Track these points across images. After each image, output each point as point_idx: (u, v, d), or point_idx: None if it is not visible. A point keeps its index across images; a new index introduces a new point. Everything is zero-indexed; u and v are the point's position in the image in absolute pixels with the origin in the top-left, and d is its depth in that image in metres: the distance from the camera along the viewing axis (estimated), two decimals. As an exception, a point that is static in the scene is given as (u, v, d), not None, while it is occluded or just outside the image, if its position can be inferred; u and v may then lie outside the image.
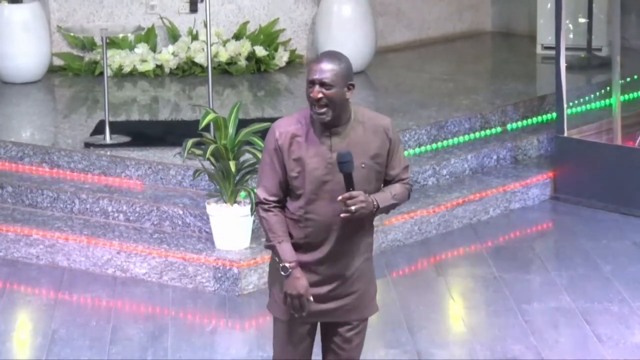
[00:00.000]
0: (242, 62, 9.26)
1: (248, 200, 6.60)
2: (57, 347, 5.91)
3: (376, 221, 6.99)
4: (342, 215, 4.18)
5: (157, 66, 9.24)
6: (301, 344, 4.40)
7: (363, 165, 4.23)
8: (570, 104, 8.10)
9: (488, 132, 8.17)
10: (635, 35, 9.62)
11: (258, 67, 9.33)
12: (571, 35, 9.50)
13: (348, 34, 9.18)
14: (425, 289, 6.56)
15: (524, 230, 7.40)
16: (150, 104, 8.68)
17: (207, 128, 6.79)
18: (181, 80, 9.16)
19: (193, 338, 6.01)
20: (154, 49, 9.30)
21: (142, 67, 9.19)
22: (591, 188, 7.69)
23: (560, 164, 7.85)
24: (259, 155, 6.52)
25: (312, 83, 4.18)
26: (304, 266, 4.28)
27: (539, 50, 9.81)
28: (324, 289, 4.31)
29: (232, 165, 6.54)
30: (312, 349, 4.45)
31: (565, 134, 7.82)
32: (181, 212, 6.92)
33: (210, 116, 6.65)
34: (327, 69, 4.17)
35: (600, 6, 9.55)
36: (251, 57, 9.30)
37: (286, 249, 4.26)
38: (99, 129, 7.78)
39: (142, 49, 9.22)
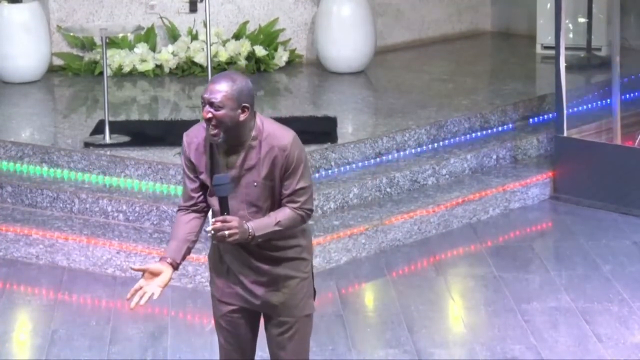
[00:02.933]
0: (242, 62, 9.26)
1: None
2: (57, 348, 5.90)
3: (375, 221, 7.07)
4: (214, 240, 4.20)
5: (157, 66, 9.24)
6: (230, 334, 4.38)
7: (255, 184, 4.25)
8: (570, 103, 8.10)
9: (495, 129, 8.19)
10: (634, 35, 9.62)
11: (258, 66, 9.33)
12: (571, 35, 9.50)
13: (347, 34, 9.18)
14: (424, 288, 6.56)
15: (524, 229, 7.40)
16: (150, 104, 8.68)
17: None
18: (181, 80, 9.17)
19: (193, 338, 6.01)
20: (153, 48, 9.30)
21: (141, 67, 9.19)
22: (591, 188, 7.69)
23: (560, 164, 7.85)
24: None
25: (203, 102, 4.19)
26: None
27: (538, 50, 9.81)
28: (240, 276, 4.33)
29: (232, 165, 6.54)
30: (249, 346, 4.43)
31: (565, 134, 7.82)
32: (181, 212, 6.91)
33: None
34: (218, 90, 4.16)
35: (599, 6, 9.55)
36: (251, 56, 9.30)
37: (169, 246, 4.31)
38: (98, 129, 7.78)
39: (141, 48, 9.22)
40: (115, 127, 7.72)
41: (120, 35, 9.06)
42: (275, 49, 9.41)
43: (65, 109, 8.64)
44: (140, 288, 4.21)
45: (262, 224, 4.23)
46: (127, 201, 7.05)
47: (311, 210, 4.32)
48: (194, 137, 4.30)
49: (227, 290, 4.39)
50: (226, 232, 4.15)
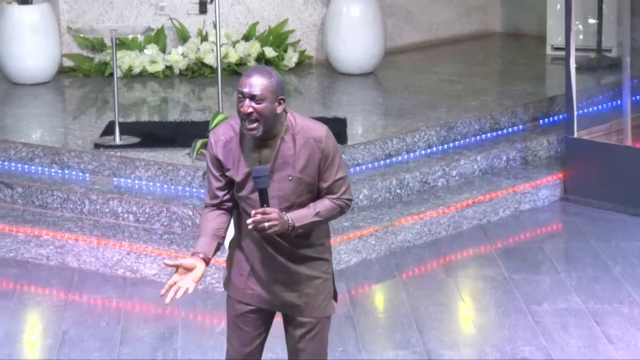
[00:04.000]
0: (252, 63, 9.27)
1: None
2: (67, 348, 5.91)
3: (385, 222, 7.07)
4: (254, 232, 4.20)
5: (167, 67, 9.25)
6: (248, 333, 4.39)
7: (290, 178, 4.23)
8: (580, 104, 8.09)
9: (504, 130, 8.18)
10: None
11: (267, 68, 9.33)
12: (581, 36, 9.49)
13: (357, 35, 9.18)
14: (434, 290, 6.56)
15: (534, 231, 7.40)
16: (159, 105, 8.69)
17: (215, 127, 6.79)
18: (191, 81, 9.18)
19: (203, 339, 6.02)
20: (163, 50, 9.31)
21: (151, 68, 9.20)
22: (601, 189, 7.68)
23: (570, 165, 7.84)
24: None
25: (242, 96, 4.17)
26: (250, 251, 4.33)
27: (548, 51, 9.80)
28: (263, 276, 4.33)
29: (242, 166, 6.55)
30: (258, 347, 4.43)
31: (575, 135, 7.81)
32: (191, 213, 6.93)
33: (220, 117, 6.67)
34: (257, 83, 4.15)
35: (610, 7, 9.54)
36: (260, 58, 9.31)
37: (199, 242, 4.30)
38: (108, 130, 7.79)
39: (151, 50, 9.24)
40: (125, 129, 7.73)
41: (130, 36, 9.07)
42: (285, 50, 9.41)
43: (76, 110, 8.65)
44: (175, 283, 4.21)
45: (302, 215, 4.22)
46: (137, 202, 7.06)
47: (350, 200, 4.32)
48: (222, 134, 4.28)
49: (248, 292, 4.38)
50: (266, 224, 4.14)
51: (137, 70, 9.20)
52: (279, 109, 4.18)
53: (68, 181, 7.39)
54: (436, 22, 10.18)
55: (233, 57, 9.21)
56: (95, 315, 6.28)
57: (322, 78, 9.33)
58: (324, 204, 4.26)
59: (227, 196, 4.33)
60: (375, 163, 7.64)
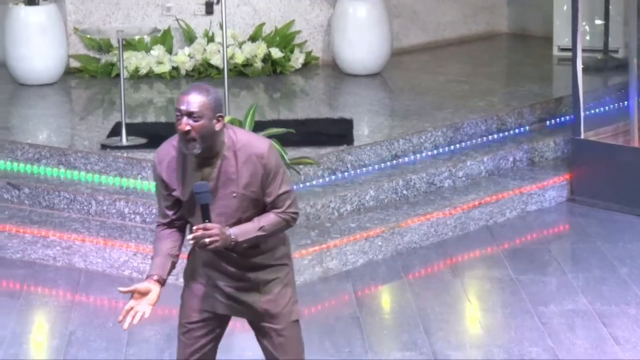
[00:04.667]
0: (258, 64, 9.27)
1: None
2: (74, 349, 5.92)
3: (392, 223, 7.06)
4: (196, 247, 4.22)
5: (173, 68, 9.25)
6: (199, 339, 4.41)
7: (234, 195, 4.24)
8: (587, 105, 8.08)
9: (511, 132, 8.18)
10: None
11: (274, 69, 9.34)
12: (587, 37, 9.47)
13: (363, 35, 9.18)
14: (441, 290, 6.55)
15: (541, 232, 7.39)
16: (166, 106, 8.69)
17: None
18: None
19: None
20: (170, 50, 9.32)
21: (158, 69, 9.21)
22: (608, 190, 7.66)
23: (577, 166, 7.83)
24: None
25: (179, 114, 4.16)
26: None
27: (555, 51, 9.79)
28: (221, 285, 4.35)
29: (248, 167, 6.54)
30: (211, 351, 4.46)
31: (582, 136, 7.80)
32: (197, 214, 6.92)
33: (226, 119, 6.65)
34: (194, 101, 4.15)
35: (616, 8, 9.52)
36: (267, 59, 9.31)
37: (153, 263, 4.33)
38: (115, 131, 7.79)
39: (158, 50, 9.24)
40: (132, 129, 7.74)
41: (137, 37, 9.08)
42: (292, 51, 9.41)
43: (82, 111, 8.66)
44: (132, 308, 4.24)
45: (245, 229, 4.23)
46: (143, 203, 7.06)
47: (296, 214, 4.33)
48: (165, 154, 4.29)
49: (207, 298, 4.39)
50: (207, 240, 4.16)
51: (143, 71, 9.20)
52: (218, 126, 4.18)
53: (75, 182, 7.40)
54: (442, 23, 10.17)
55: (239, 58, 9.21)
56: (102, 315, 6.28)
57: (329, 79, 9.33)
58: (268, 218, 4.27)
59: (177, 214, 4.35)
60: (382, 164, 7.63)
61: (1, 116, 8.28)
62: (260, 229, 4.24)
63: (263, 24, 9.44)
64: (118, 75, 7.95)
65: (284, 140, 6.66)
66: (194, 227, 4.20)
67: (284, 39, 9.43)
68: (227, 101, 7.50)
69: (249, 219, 4.26)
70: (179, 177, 4.26)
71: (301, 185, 7.24)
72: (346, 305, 6.39)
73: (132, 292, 4.25)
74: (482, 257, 7.02)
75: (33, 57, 8.92)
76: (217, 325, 4.45)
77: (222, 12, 7.41)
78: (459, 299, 6.46)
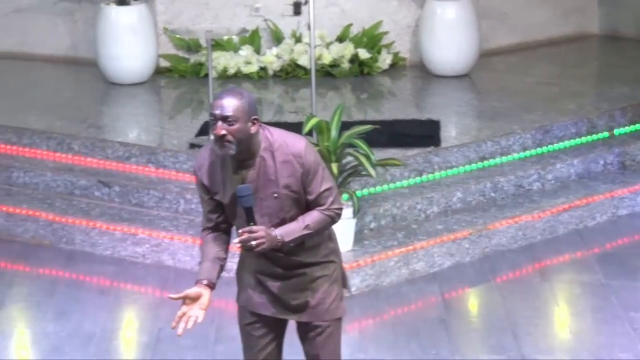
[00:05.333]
0: (345, 65, 9.27)
1: (350, 203, 6.60)
2: (163, 346, 5.97)
3: (479, 225, 7.01)
4: (243, 250, 4.22)
5: (261, 68, 9.30)
6: (259, 340, 4.42)
7: (275, 195, 4.23)
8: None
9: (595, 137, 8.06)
10: None
11: (361, 69, 9.33)
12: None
13: (451, 36, 9.13)
14: (529, 294, 6.48)
15: (632, 236, 7.27)
16: (254, 106, 8.72)
17: (309, 131, 6.80)
18: (284, 82, 9.21)
19: (295, 339, 6.01)
20: (258, 51, 9.36)
21: (246, 69, 9.26)
22: (701, 195, 7.52)
23: (669, 170, 7.69)
24: (362, 158, 6.52)
25: (214, 119, 4.17)
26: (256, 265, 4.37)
27: (647, 53, 9.64)
28: (269, 286, 4.36)
29: (335, 167, 6.55)
30: (274, 352, 4.46)
31: (675, 140, 7.67)
32: (285, 214, 6.94)
33: (313, 121, 6.67)
34: (228, 105, 4.15)
35: None
36: (354, 59, 9.31)
37: (202, 268, 4.33)
38: (203, 130, 7.85)
39: (246, 51, 9.29)
40: (220, 129, 7.78)
41: (225, 37, 9.13)
42: (379, 52, 9.40)
43: (171, 110, 8.75)
44: (184, 314, 4.26)
45: (290, 229, 4.23)
46: (231, 202, 7.09)
47: (340, 210, 4.31)
48: (203, 159, 4.31)
49: (258, 301, 4.40)
50: (253, 243, 4.17)
51: (231, 71, 9.26)
52: (253, 129, 4.19)
53: (164, 180, 7.47)
54: (532, 24, 10.07)
55: (327, 59, 9.22)
56: (190, 313, 6.32)
57: (416, 80, 9.30)
58: (312, 216, 4.25)
59: (221, 218, 4.36)
60: (469, 166, 7.58)
61: (93, 115, 8.39)
62: (306, 227, 4.23)
63: (351, 25, 9.44)
64: (207, 75, 8.01)
65: (370, 141, 6.65)
66: (240, 231, 4.21)
67: (372, 39, 9.42)
68: (313, 101, 7.51)
69: (292, 219, 4.25)
70: (219, 180, 4.28)
71: (388, 187, 7.23)
72: (433, 307, 6.36)
73: (184, 298, 4.27)
74: (572, 261, 6.93)
75: (124, 57, 9.02)
76: (273, 326, 4.45)
77: (310, 13, 7.42)
78: (547, 303, 6.39)
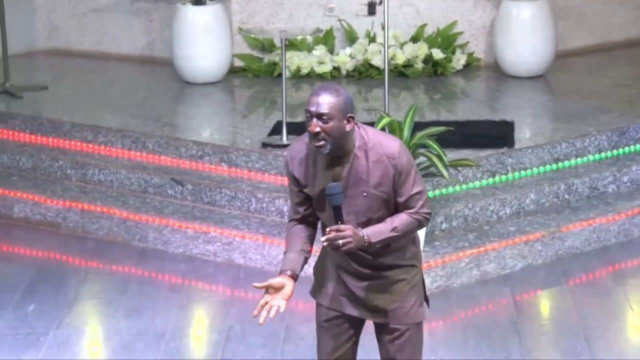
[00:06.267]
0: (419, 65, 9.23)
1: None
2: (232, 344, 6.00)
3: (553, 227, 6.93)
4: (329, 249, 4.20)
5: (334, 68, 9.30)
6: (337, 337, 4.40)
7: (365, 194, 4.20)
8: None
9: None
10: None
11: (435, 70, 9.29)
12: None
13: (527, 37, 9.04)
14: (603, 298, 6.39)
15: None
16: (326, 106, 8.73)
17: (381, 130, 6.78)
18: (358, 83, 9.20)
19: (365, 340, 5.98)
20: (331, 51, 9.37)
21: (319, 69, 9.27)
22: None
23: None
24: (434, 158, 6.48)
25: (309, 115, 4.15)
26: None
27: None
28: (350, 285, 4.34)
29: (408, 168, 6.52)
30: (349, 351, 4.43)
31: None
32: (356, 214, 6.93)
33: (385, 120, 6.65)
34: (324, 102, 4.13)
35: None
36: (428, 59, 9.27)
37: (286, 259, 4.33)
38: (276, 130, 7.88)
39: (320, 50, 9.30)
40: (292, 128, 7.80)
41: (299, 37, 9.15)
42: (453, 52, 9.34)
43: (244, 110, 8.79)
44: (266, 303, 4.27)
45: (378, 230, 4.21)
46: (303, 201, 7.10)
47: (429, 214, 4.28)
48: (297, 152, 4.30)
49: (337, 298, 4.39)
50: (340, 242, 4.15)
51: (305, 70, 9.27)
52: (348, 127, 4.16)
53: (236, 179, 7.51)
54: (610, 25, 9.93)
55: (400, 59, 9.19)
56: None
57: (490, 81, 9.22)
58: (401, 219, 4.23)
59: (309, 210, 4.35)
60: (543, 167, 7.50)
61: (167, 113, 8.47)
62: (393, 229, 4.22)
63: (425, 25, 9.39)
64: (280, 74, 8.03)
65: (443, 142, 6.61)
66: (327, 229, 4.20)
67: (446, 40, 9.37)
68: (386, 102, 7.49)
69: (379, 220, 4.24)
70: (310, 174, 4.27)
71: (460, 188, 7.18)
72: (504, 309, 6.30)
73: (267, 287, 4.27)
74: (647, 265, 6.83)
75: (199, 56, 9.09)
76: (351, 325, 4.43)
77: (384, 13, 7.40)
78: (621, 307, 6.29)
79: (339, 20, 9.42)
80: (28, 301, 6.50)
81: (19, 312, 6.36)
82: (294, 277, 4.31)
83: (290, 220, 4.41)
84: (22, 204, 7.72)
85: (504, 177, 7.36)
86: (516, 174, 7.40)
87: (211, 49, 9.10)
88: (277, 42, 9.30)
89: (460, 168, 7.04)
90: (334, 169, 4.23)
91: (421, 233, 6.65)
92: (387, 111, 7.37)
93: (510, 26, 9.11)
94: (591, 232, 7.05)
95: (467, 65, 9.40)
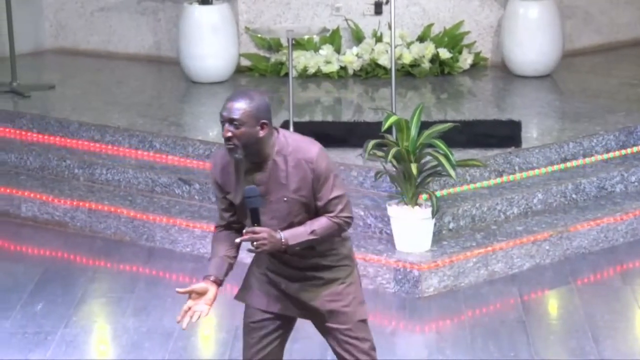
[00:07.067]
0: (426, 65, 9.23)
1: (429, 203, 6.57)
2: (240, 343, 5.96)
3: (560, 227, 6.93)
4: (247, 249, 4.23)
5: (341, 68, 9.30)
6: (264, 338, 4.44)
7: (285, 199, 4.24)
8: None
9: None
10: None
11: (442, 69, 9.29)
12: None
13: (534, 37, 9.04)
14: (610, 297, 6.39)
15: None
16: (333, 105, 8.75)
17: (389, 130, 6.79)
18: (364, 82, 9.20)
19: (375, 339, 6.00)
20: (338, 50, 9.37)
21: (326, 69, 9.27)
22: None
23: None
24: (441, 158, 6.48)
25: (222, 120, 4.20)
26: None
27: None
28: (283, 286, 4.39)
29: (414, 167, 6.53)
30: (276, 350, 4.47)
31: None
32: (362, 213, 6.94)
33: (393, 119, 6.65)
34: (236, 108, 4.17)
35: None
36: (435, 59, 9.27)
37: (210, 264, 4.40)
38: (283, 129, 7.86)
39: (326, 50, 9.31)
40: (299, 128, 7.79)
41: (306, 37, 9.16)
42: (460, 52, 9.34)
43: (252, 109, 8.77)
44: (189, 308, 4.31)
45: (296, 233, 4.25)
46: (310, 201, 7.10)
47: (350, 218, 4.32)
48: (220, 158, 4.35)
49: (267, 299, 4.42)
50: (255, 244, 4.20)
51: (311, 70, 9.28)
52: (262, 133, 4.20)
53: (243, 179, 7.50)
54: (617, 24, 9.93)
55: (407, 58, 9.19)
56: (268, 311, 6.35)
57: (497, 80, 9.22)
58: (320, 222, 4.27)
59: (234, 217, 4.39)
60: (551, 167, 7.50)
61: (174, 113, 8.48)
62: (312, 232, 4.26)
63: (432, 25, 9.40)
64: (287, 74, 8.03)
65: (450, 142, 6.61)
66: (244, 231, 4.24)
67: (453, 39, 9.37)
68: (393, 101, 7.49)
69: (300, 223, 4.27)
70: (233, 181, 4.32)
71: (467, 187, 7.18)
72: (512, 309, 6.30)
73: (190, 293, 4.33)
74: (654, 265, 6.83)
75: (205, 56, 9.10)
76: (280, 325, 4.47)
77: (391, 13, 7.40)
78: (629, 307, 6.29)
79: (346, 19, 9.42)
80: (36, 300, 6.51)
81: (27, 311, 6.37)
82: (218, 282, 4.37)
83: (216, 227, 4.46)
84: (30, 203, 7.73)
85: (511, 176, 7.35)
86: (524, 173, 7.40)
87: (218, 49, 9.11)
88: (283, 42, 9.31)
89: (467, 168, 7.03)
90: (254, 175, 4.27)
91: (428, 232, 6.65)
92: (394, 110, 7.38)
93: (517, 26, 9.10)
94: (599, 231, 7.05)
95: (474, 65, 9.40)
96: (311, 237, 4.26)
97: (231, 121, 4.19)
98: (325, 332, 4.46)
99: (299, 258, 4.35)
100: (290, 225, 4.28)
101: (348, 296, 4.39)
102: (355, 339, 4.41)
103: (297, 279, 4.39)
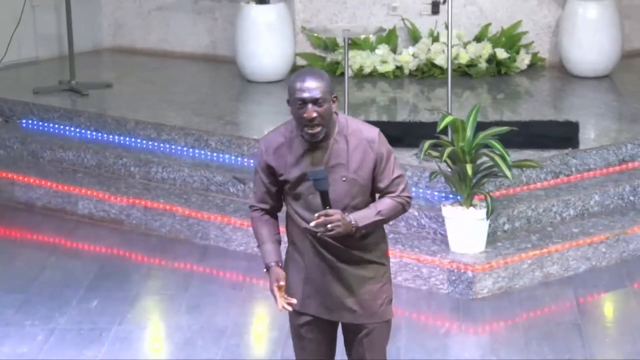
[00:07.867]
0: (483, 65, 9.18)
1: (484, 204, 6.53)
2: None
3: (617, 229, 6.85)
4: (318, 234, 4.16)
5: (397, 67, 9.27)
6: (310, 342, 4.37)
7: (344, 179, 4.18)
8: None
9: None
10: None
11: (498, 69, 9.23)
12: None
13: (593, 37, 8.95)
14: (668, 301, 6.32)
15: None
16: (388, 105, 8.73)
17: (444, 130, 6.76)
18: (420, 82, 9.17)
19: (426, 340, 5.99)
20: (394, 50, 9.35)
21: (382, 68, 9.25)
22: None
23: None
24: (497, 159, 6.44)
25: (303, 103, 4.12)
26: (299, 265, 4.33)
27: None
28: (320, 282, 4.30)
29: (469, 168, 6.49)
30: (328, 351, 4.41)
31: None
32: (416, 214, 6.91)
33: (448, 119, 6.62)
34: (315, 86, 4.12)
35: None
36: (492, 59, 9.21)
37: (266, 250, 4.33)
38: (338, 129, 7.86)
39: (382, 50, 9.28)
40: (355, 127, 7.79)
41: (362, 36, 9.14)
42: (517, 52, 9.28)
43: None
44: (285, 298, 4.29)
45: (364, 215, 4.21)
46: (364, 201, 7.09)
47: (410, 198, 4.28)
48: (273, 142, 4.28)
49: (306, 301, 4.37)
50: (329, 226, 4.13)
51: (367, 70, 9.26)
52: (334, 108, 4.19)
53: (298, 178, 7.50)
54: (677, 24, 9.80)
55: (464, 58, 9.14)
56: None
57: (555, 81, 9.14)
58: (385, 203, 4.24)
59: (277, 203, 4.35)
60: (608, 169, 7.41)
61: (229, 112, 8.51)
62: (378, 213, 4.22)
63: (489, 24, 9.34)
64: (342, 73, 8.02)
65: (506, 142, 6.56)
66: (316, 214, 4.15)
67: (510, 39, 9.30)
68: (449, 101, 7.45)
69: (355, 207, 4.22)
70: (287, 162, 4.24)
71: (523, 189, 7.12)
72: (567, 311, 6.25)
73: (280, 288, 4.28)
74: None
75: (262, 55, 9.12)
76: (325, 328, 4.40)
77: (448, 12, 7.36)
78: (686, 311, 6.21)
79: (402, 19, 9.39)
80: (91, 297, 6.57)
81: (82, 308, 6.43)
82: (282, 267, 4.34)
83: (255, 210, 4.37)
84: (87, 201, 7.80)
85: (568, 178, 7.28)
86: (580, 175, 7.32)
87: (274, 48, 9.12)
88: (339, 41, 9.30)
89: (523, 169, 6.98)
90: (313, 155, 4.22)
91: (483, 233, 6.61)
92: (449, 111, 7.34)
93: (576, 26, 9.02)
94: (656, 234, 6.97)
95: (531, 65, 9.32)
96: (378, 217, 4.22)
97: (315, 101, 4.14)
98: (350, 328, 4.38)
99: (345, 249, 4.28)
100: (345, 208, 4.22)
101: (382, 295, 4.37)
102: (377, 339, 4.37)
103: (336, 275, 4.31)
